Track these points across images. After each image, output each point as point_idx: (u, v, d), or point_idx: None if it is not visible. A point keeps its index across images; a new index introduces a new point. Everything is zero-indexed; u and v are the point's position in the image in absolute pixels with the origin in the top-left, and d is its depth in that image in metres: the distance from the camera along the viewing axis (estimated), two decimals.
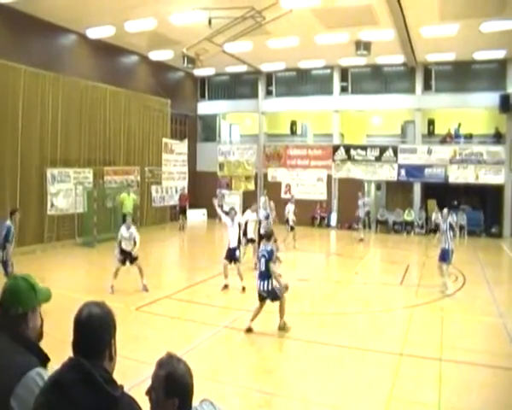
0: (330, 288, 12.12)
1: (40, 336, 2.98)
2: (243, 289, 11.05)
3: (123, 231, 11.26)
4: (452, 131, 22.68)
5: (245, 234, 13.49)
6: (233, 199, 25.92)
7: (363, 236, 19.86)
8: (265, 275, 8.43)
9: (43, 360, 2.24)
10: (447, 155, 21.92)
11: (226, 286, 11.31)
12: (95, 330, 2.03)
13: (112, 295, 10.10)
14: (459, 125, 22.59)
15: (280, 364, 7.25)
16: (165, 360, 2.10)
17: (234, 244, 11.55)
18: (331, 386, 6.45)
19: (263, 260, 8.52)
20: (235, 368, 7.06)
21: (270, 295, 8.44)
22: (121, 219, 17.85)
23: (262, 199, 17.93)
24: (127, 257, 11.09)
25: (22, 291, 2.27)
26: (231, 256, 11.46)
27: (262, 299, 8.51)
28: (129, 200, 17.90)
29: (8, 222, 9.60)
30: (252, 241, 13.72)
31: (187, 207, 23.23)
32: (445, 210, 11.79)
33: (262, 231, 13.31)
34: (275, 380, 6.65)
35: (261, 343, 8.09)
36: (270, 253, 8.53)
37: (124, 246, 11.16)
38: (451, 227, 11.84)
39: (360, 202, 20.44)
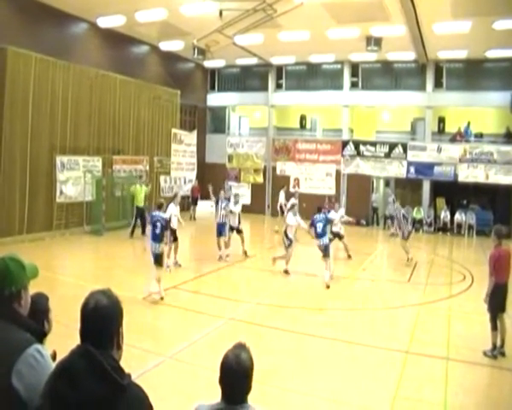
0: (337, 284, 12.08)
1: (48, 323, 2.99)
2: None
3: (232, 206, 13.82)
4: (462, 129, 22.48)
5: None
6: (242, 191, 25.95)
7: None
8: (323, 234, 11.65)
9: (39, 335, 2.26)
10: (457, 153, 21.70)
11: None
12: (102, 319, 2.01)
13: (119, 285, 10.11)
14: (468, 123, 22.37)
15: (284, 358, 7.23)
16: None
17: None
18: (336, 382, 6.44)
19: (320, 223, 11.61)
20: None
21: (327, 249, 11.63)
22: (131, 210, 17.91)
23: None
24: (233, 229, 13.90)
25: (14, 271, 2.27)
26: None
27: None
28: (140, 192, 17.65)
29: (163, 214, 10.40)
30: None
31: (198, 198, 23.39)
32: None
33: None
34: (280, 375, 6.63)
35: (267, 337, 8.06)
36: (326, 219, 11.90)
37: (232, 222, 13.82)
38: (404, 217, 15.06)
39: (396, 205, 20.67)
